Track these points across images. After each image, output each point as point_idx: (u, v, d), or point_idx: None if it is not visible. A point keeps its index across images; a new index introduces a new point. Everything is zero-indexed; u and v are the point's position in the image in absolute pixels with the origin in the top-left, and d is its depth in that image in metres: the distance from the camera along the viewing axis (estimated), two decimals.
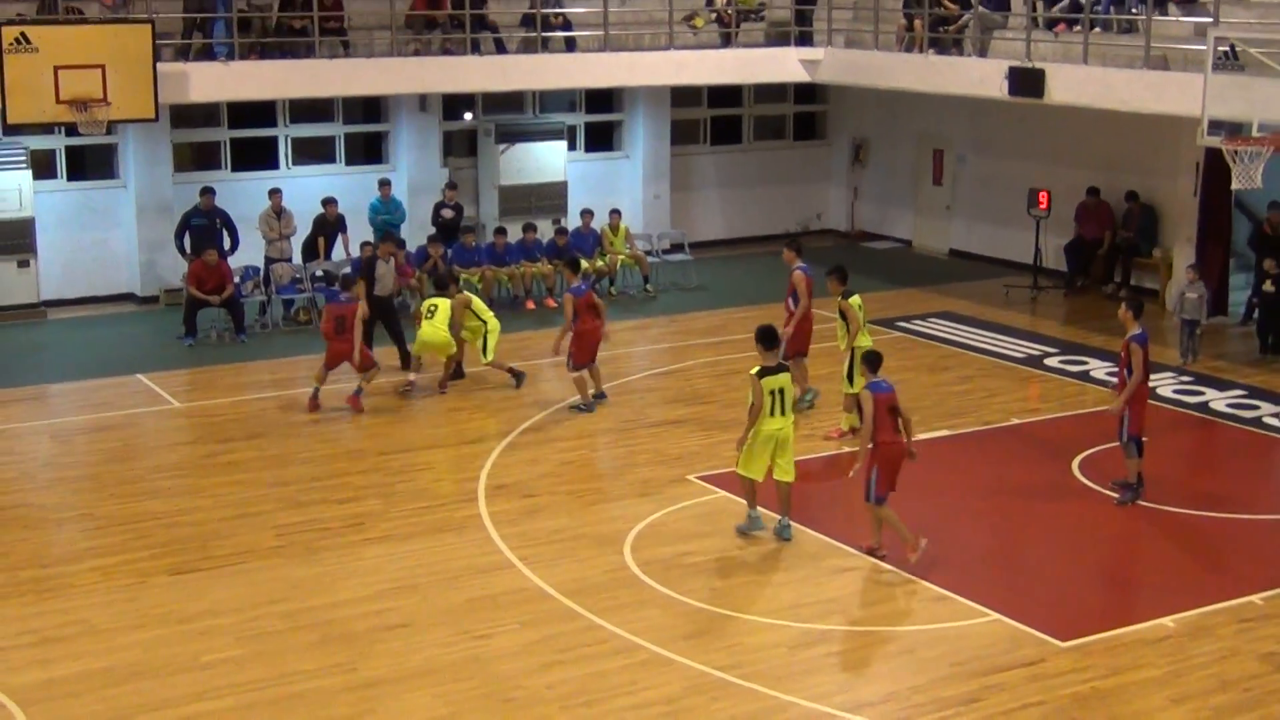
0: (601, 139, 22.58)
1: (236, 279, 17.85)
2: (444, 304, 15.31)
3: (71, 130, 17.65)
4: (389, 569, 11.02)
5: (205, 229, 17.98)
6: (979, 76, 18.43)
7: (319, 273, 18.71)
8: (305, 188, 19.46)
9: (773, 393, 11.22)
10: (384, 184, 19.56)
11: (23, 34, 16.20)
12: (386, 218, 19.12)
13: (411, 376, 15.58)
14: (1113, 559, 11.59)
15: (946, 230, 23.00)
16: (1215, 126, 14.38)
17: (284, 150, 20.24)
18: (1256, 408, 14.98)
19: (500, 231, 19.69)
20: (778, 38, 21.59)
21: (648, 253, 20.73)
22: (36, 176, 18.58)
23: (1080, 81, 17.12)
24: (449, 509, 12.26)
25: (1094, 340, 17.56)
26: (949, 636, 9.88)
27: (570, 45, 20.16)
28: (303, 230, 18.81)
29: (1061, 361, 16.76)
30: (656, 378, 16.39)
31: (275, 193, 18.65)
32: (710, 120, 23.53)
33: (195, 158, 20.01)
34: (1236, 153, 14.10)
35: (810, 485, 12.26)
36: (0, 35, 16.07)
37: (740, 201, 23.63)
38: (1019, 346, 17.43)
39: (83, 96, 16.42)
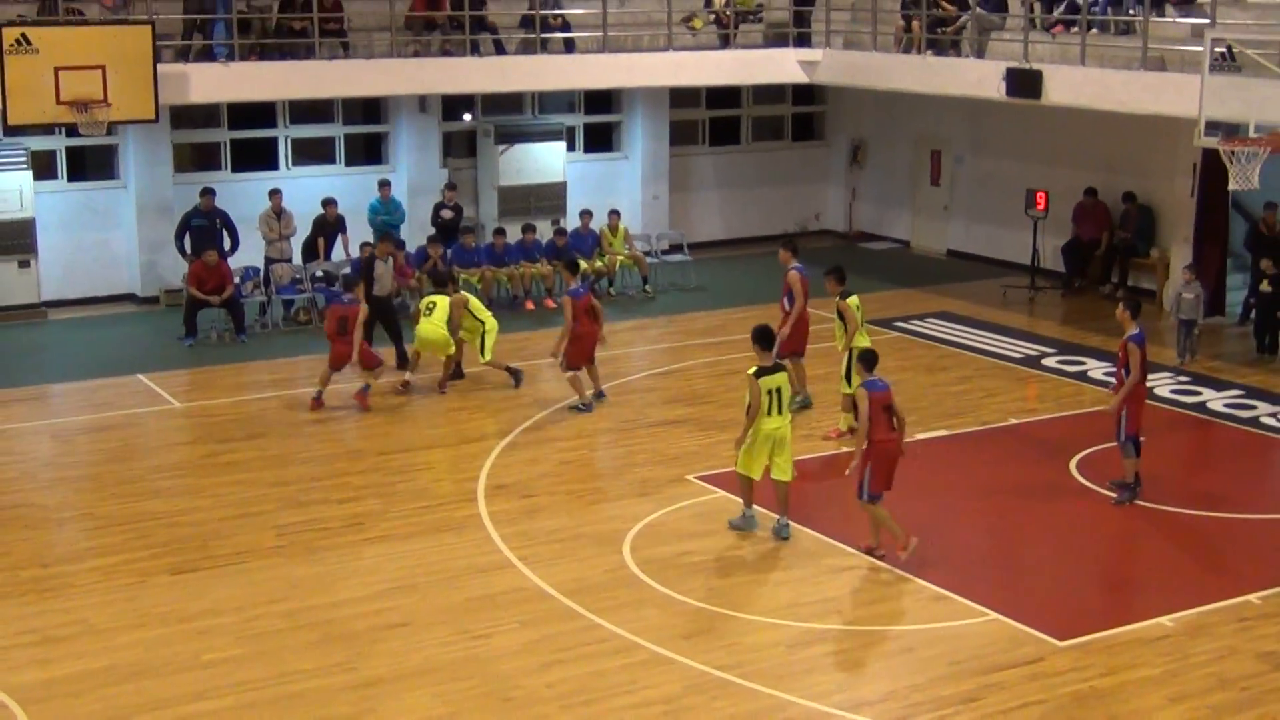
0: (600, 140, 22.60)
1: (236, 279, 17.87)
2: (442, 301, 15.35)
3: (72, 131, 17.66)
4: (389, 568, 11.04)
5: (205, 229, 18.00)
6: (977, 77, 18.46)
7: (319, 273, 18.74)
8: (305, 188, 19.48)
9: (770, 392, 11.27)
10: (384, 185, 19.59)
11: (23, 35, 16.22)
12: (386, 218, 19.15)
13: (407, 376, 15.63)
14: (1111, 559, 11.62)
15: (944, 231, 23.02)
16: (1212, 127, 14.43)
17: (284, 151, 20.26)
18: (1254, 408, 15.02)
19: (499, 232, 19.71)
20: (776, 39, 21.61)
21: (646, 253, 20.76)
22: (37, 177, 18.60)
23: (1078, 82, 17.15)
24: (449, 509, 12.29)
25: (1091, 340, 17.59)
26: (947, 636, 9.91)
27: (569, 46, 20.18)
28: (303, 231, 18.84)
29: (1059, 362, 16.79)
30: (655, 378, 16.42)
31: (275, 193, 18.68)
32: (709, 121, 23.56)
33: (195, 158, 20.03)
34: (1234, 153, 14.15)
35: (809, 485, 12.29)
36: (1, 36, 16.10)
37: (739, 202, 23.66)
38: (1017, 347, 17.46)
39: (83, 97, 16.44)
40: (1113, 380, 12.83)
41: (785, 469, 11.47)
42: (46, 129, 17.95)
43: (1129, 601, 10.86)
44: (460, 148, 21.54)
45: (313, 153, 20.57)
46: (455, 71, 19.21)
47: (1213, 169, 16.77)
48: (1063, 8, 18.65)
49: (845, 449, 13.48)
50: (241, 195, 19.15)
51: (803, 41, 21.31)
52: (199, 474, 13.19)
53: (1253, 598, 10.48)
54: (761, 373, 11.30)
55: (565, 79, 20.29)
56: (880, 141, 23.95)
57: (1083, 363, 16.66)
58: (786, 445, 11.45)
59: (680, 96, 22.66)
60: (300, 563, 11.16)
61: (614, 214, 20.52)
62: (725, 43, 21.10)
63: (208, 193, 18.30)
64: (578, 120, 22.22)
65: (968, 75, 18.70)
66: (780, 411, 11.35)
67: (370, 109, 20.93)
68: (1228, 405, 15.11)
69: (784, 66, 21.21)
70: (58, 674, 9.38)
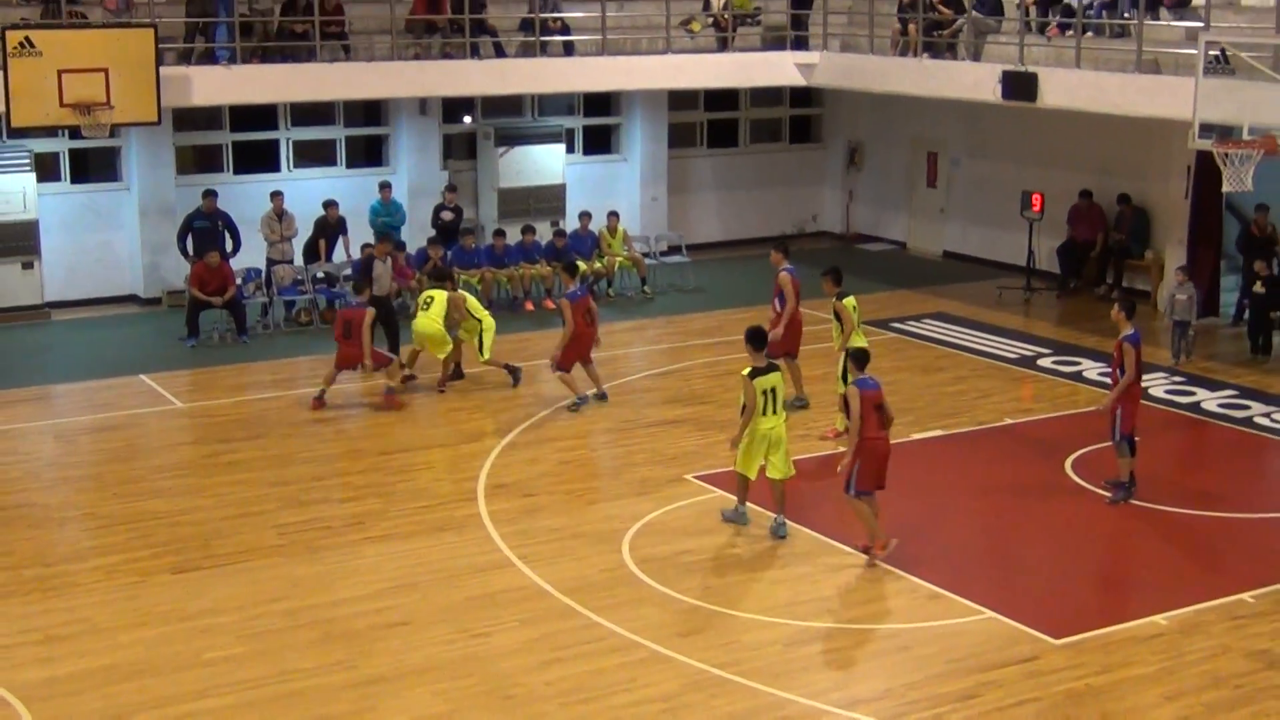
0: (599, 142, 22.66)
1: (238, 281, 17.91)
2: (440, 296, 15.40)
3: (75, 133, 17.74)
4: (389, 567, 11.08)
5: (207, 231, 18.06)
6: (973, 80, 18.51)
7: (320, 274, 18.80)
8: (306, 190, 19.54)
9: (765, 392, 11.34)
10: (384, 186, 19.64)
11: (27, 38, 16.24)
12: (387, 220, 19.20)
13: (406, 371, 15.63)
14: (1106, 557, 11.64)
15: (940, 232, 23.08)
16: (1206, 130, 14.49)
17: (285, 153, 20.32)
18: (1247, 408, 15.07)
19: (499, 233, 19.75)
20: (774, 42, 21.67)
21: (645, 254, 20.81)
22: (40, 179, 18.64)
23: (1073, 85, 17.20)
24: (449, 508, 12.32)
25: (1087, 341, 17.64)
26: (944, 634, 9.94)
27: (568, 49, 20.25)
28: (304, 232, 18.88)
29: (1054, 362, 16.84)
30: (654, 378, 16.46)
31: (277, 195, 18.72)
32: (707, 123, 23.62)
33: (197, 160, 20.07)
34: (1227, 156, 14.19)
35: (806, 484, 12.32)
36: (4, 39, 16.14)
37: (737, 204, 23.72)
38: (1012, 347, 17.51)
39: (86, 100, 16.48)
40: (1109, 381, 12.88)
41: (781, 467, 11.54)
42: (49, 131, 18.01)
43: (1124, 600, 10.89)
44: (460, 150, 21.59)
45: (314, 155, 20.62)
46: (455, 74, 19.26)
47: (1207, 171, 16.81)
48: (1058, 11, 18.73)
49: (842, 449, 13.52)
50: (243, 197, 19.19)
51: (800, 45, 21.34)
52: (201, 474, 13.22)
53: (1246, 596, 10.52)
54: (756, 373, 11.38)
55: (564, 81, 20.36)
56: (877, 144, 24.00)
57: (1078, 363, 16.71)
58: (782, 444, 11.52)
59: (679, 99, 22.71)
60: (301, 562, 11.19)
61: (613, 215, 20.58)
62: (723, 46, 21.15)
63: (210, 194, 18.35)
64: (577, 122, 22.28)
65: (964, 78, 18.76)
66: (775, 411, 11.42)
67: (371, 111, 20.98)
68: (1222, 405, 15.16)
69: (781, 69, 21.27)
70: (60, 672, 9.41)
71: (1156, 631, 9.99)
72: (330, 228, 18.89)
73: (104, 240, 19.40)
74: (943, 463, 13.55)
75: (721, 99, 23.37)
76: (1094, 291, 20.00)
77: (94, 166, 19.61)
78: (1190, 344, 16.70)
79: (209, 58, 18.21)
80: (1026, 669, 9.43)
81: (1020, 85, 17.64)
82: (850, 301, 13.87)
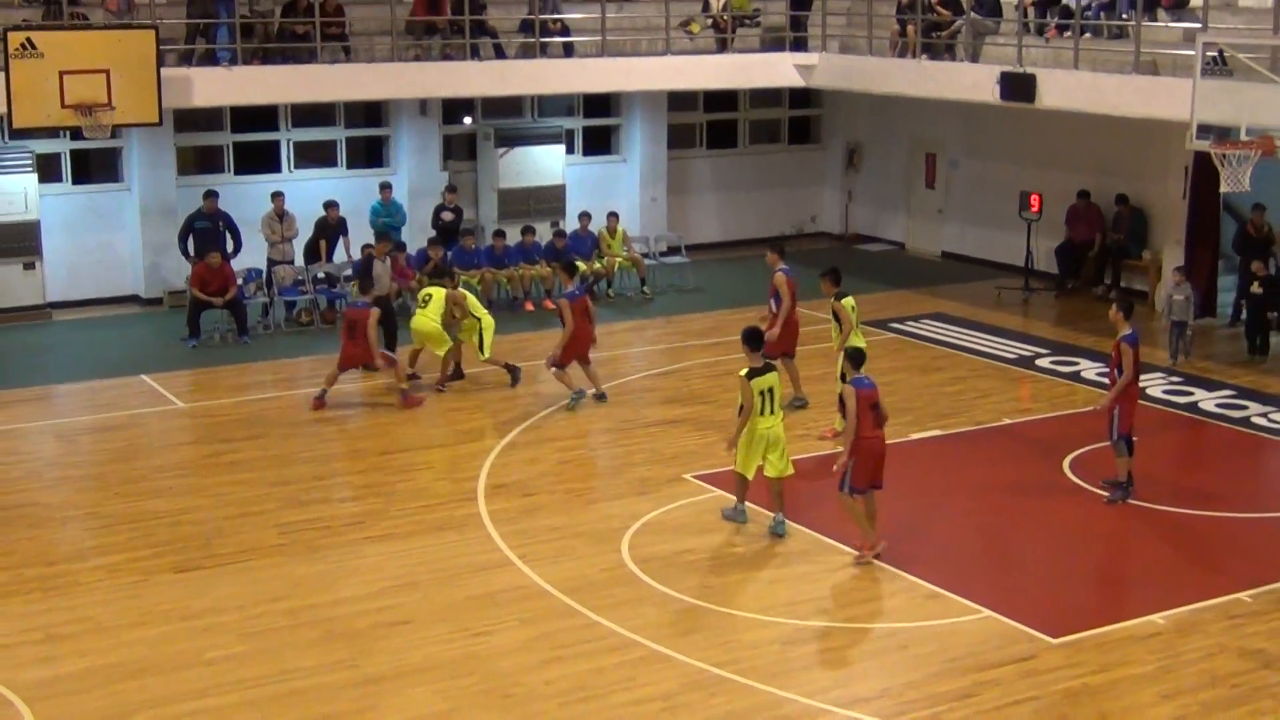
0: (599, 143, 22.69)
1: (239, 281, 17.96)
2: (438, 293, 15.44)
3: (76, 134, 17.78)
4: (390, 567, 11.11)
5: (208, 232, 18.11)
6: (971, 81, 18.55)
7: (320, 275, 18.84)
8: (307, 191, 19.58)
9: (762, 393, 11.39)
10: (385, 187, 19.68)
11: (28, 39, 16.29)
12: (387, 220, 19.23)
13: (408, 371, 15.69)
14: (1103, 557, 11.67)
15: (939, 233, 23.12)
16: (1204, 130, 14.52)
17: (286, 154, 20.36)
18: (1245, 408, 15.10)
19: (499, 234, 19.79)
20: (773, 43, 21.71)
21: (645, 255, 20.85)
22: (42, 180, 18.69)
23: (1071, 86, 17.23)
24: (449, 508, 12.36)
25: (1084, 341, 17.67)
26: (942, 633, 9.96)
27: (568, 51, 20.29)
28: (304, 233, 18.92)
29: (1052, 362, 16.88)
30: (654, 378, 16.50)
31: (277, 196, 18.76)
32: (706, 124, 23.66)
33: (198, 161, 20.11)
34: (1225, 156, 14.23)
35: (804, 484, 12.34)
36: (6, 40, 16.19)
37: (736, 204, 23.75)
38: (1010, 347, 17.55)
39: (87, 101, 16.52)
40: (1108, 381, 12.91)
41: (779, 466, 11.59)
42: (51, 132, 18.05)
43: (1121, 599, 10.92)
44: (460, 151, 21.63)
45: (314, 156, 20.66)
46: (455, 75, 19.30)
47: (1204, 172, 16.87)
48: (1056, 12, 18.77)
49: (840, 449, 13.58)
50: (244, 198, 19.24)
51: (799, 46, 21.38)
52: (202, 473, 13.26)
53: (1243, 596, 10.55)
54: (753, 374, 11.42)
55: (564, 83, 20.41)
56: (876, 145, 24.04)
57: (1076, 363, 16.75)
58: (780, 444, 11.57)
59: (678, 100, 22.75)
60: (302, 561, 11.23)
61: (612, 216, 20.62)
62: (722, 47, 21.18)
63: (211, 195, 18.40)
64: (577, 123, 22.31)
65: (962, 79, 18.80)
66: (773, 411, 11.47)
67: (371, 112, 21.02)
68: (1219, 405, 15.20)
69: (780, 70, 21.31)
70: (62, 671, 9.44)
71: (1154, 631, 10.02)
72: (331, 228, 18.93)
73: (105, 241, 19.44)
74: (941, 463, 13.59)
75: (721, 100, 23.41)
76: (1092, 292, 20.03)
77: (95, 167, 19.65)
78: (1189, 344, 16.73)
79: (210, 59, 18.25)
80: (1024, 668, 9.45)
81: (1018, 86, 17.68)
82: (849, 302, 13.92)
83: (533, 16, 19.82)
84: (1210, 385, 15.89)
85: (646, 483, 12.94)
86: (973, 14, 19.18)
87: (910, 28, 19.70)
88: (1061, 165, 20.68)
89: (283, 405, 15.29)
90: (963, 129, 22.17)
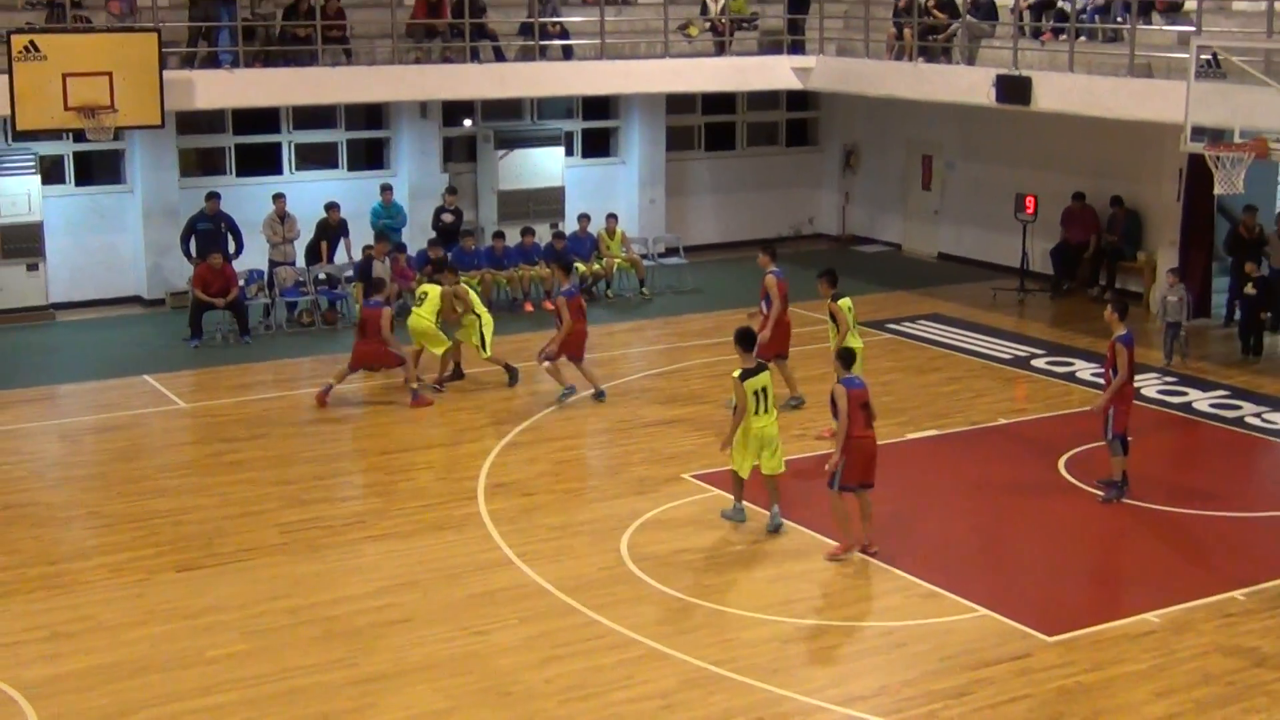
0: (598, 145, 22.75)
1: (241, 282, 18.01)
2: (434, 291, 15.51)
3: (79, 136, 17.80)
4: (390, 566, 11.16)
5: (210, 233, 18.18)
6: (967, 84, 18.61)
7: (321, 276, 18.91)
8: (308, 192, 19.63)
9: (756, 393, 11.47)
10: (385, 189, 19.74)
11: (32, 42, 16.34)
12: (388, 222, 19.30)
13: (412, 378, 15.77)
14: (1098, 556, 11.70)
15: (935, 234, 23.17)
16: (1198, 133, 14.59)
17: (287, 156, 20.42)
18: (1239, 408, 15.16)
19: (499, 235, 19.85)
20: (771, 46, 21.77)
21: (643, 256, 20.90)
22: (45, 181, 18.75)
23: (1066, 89, 17.30)
24: (449, 507, 12.40)
25: (1080, 342, 17.72)
26: (938, 631, 10.01)
27: (568, 53, 20.36)
28: (306, 234, 18.98)
29: (1048, 363, 16.93)
30: (652, 379, 16.55)
31: (279, 197, 18.83)
32: (704, 127, 23.72)
33: (200, 163, 20.16)
34: (1219, 158, 14.29)
35: (802, 483, 12.40)
36: (10, 43, 16.25)
37: (734, 206, 23.81)
38: (1006, 348, 17.59)
39: (90, 103, 16.59)
40: (1103, 382, 12.95)
41: (772, 465, 11.67)
42: (54, 134, 18.07)
43: (1116, 598, 10.95)
44: (460, 153, 21.69)
45: (316, 158, 20.71)
46: (456, 78, 19.36)
47: (1198, 174, 16.88)
48: (1052, 15, 18.85)
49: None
50: (246, 199, 19.30)
51: (797, 49, 21.43)
52: (204, 473, 13.31)
53: (1237, 594, 10.60)
54: (746, 375, 11.50)
55: (564, 85, 20.48)
56: (872, 147, 24.10)
57: (1071, 364, 16.81)
58: (775, 442, 11.66)
59: (676, 102, 22.81)
60: (303, 560, 11.27)
61: (611, 218, 20.68)
62: (721, 50, 21.25)
63: (213, 197, 18.47)
64: (576, 126, 22.37)
65: (958, 82, 18.86)
66: (767, 410, 11.55)
67: (372, 114, 21.08)
68: (1213, 405, 15.26)
69: (778, 73, 21.37)
70: (65, 669, 9.47)
71: (1148, 629, 10.06)
72: (332, 230, 19.00)
73: (108, 242, 19.49)
74: (937, 462, 13.65)
75: (719, 102, 23.46)
76: (1087, 293, 20.07)
77: (98, 169, 19.70)
78: (1184, 345, 16.77)
79: (212, 62, 18.30)
80: (1019, 666, 9.49)
81: (1014, 89, 17.74)
82: (846, 303, 13.98)
83: (532, 20, 19.89)
84: (1204, 385, 15.94)
85: (645, 482, 12.99)
86: (969, 17, 19.24)
87: (907, 31, 19.76)
88: (1057, 167, 20.73)
89: (284, 405, 15.34)
90: (959, 131, 22.23)
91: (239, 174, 20.12)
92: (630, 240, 20.90)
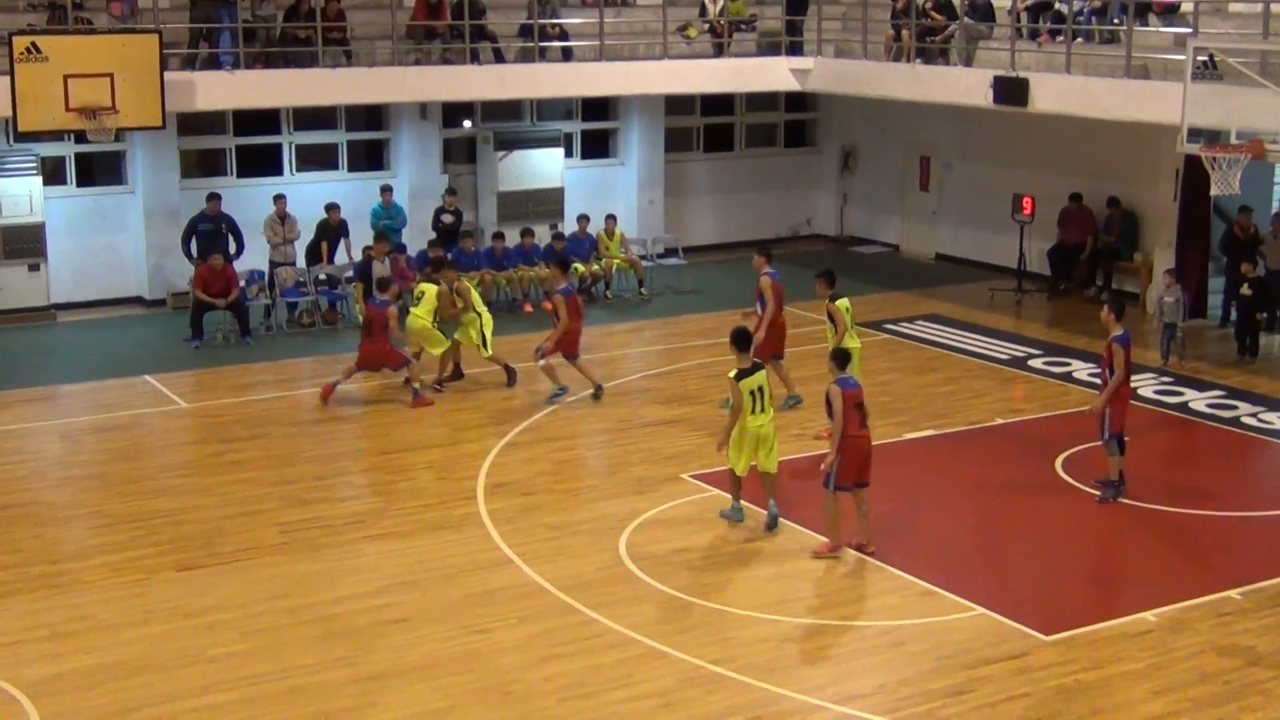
0: (597, 146, 22.79)
1: (242, 283, 18.05)
2: (430, 290, 15.56)
3: (81, 137, 17.82)
4: (390, 565, 11.19)
5: (211, 234, 18.21)
6: (965, 86, 18.65)
7: (321, 276, 18.96)
8: (309, 193, 19.67)
9: (752, 392, 11.52)
10: (386, 190, 19.78)
11: (33, 44, 16.38)
12: (388, 223, 19.32)
13: (407, 373, 15.80)
14: (1095, 555, 11.73)
15: (933, 235, 23.21)
16: (1194, 134, 14.65)
17: (288, 157, 20.45)
18: (1235, 408, 15.21)
19: (499, 236, 19.90)
20: (769, 48, 21.82)
21: (642, 257, 20.95)
22: (47, 182, 18.80)
23: (1063, 90, 17.34)
24: (448, 507, 12.44)
25: (1076, 342, 17.77)
26: (936, 630, 10.05)
27: (567, 55, 20.41)
28: (306, 235, 19.02)
29: (1045, 363, 16.98)
30: (651, 379, 16.59)
31: (279, 198, 18.87)
32: (703, 128, 23.76)
33: (201, 164, 20.18)
34: (1215, 160, 14.32)
35: (800, 483, 12.45)
36: (11, 45, 16.28)
37: (732, 207, 23.85)
38: (1004, 348, 17.64)
39: (92, 104, 16.62)
40: (1099, 381, 13.00)
41: (767, 464, 11.72)
42: (56, 135, 18.12)
43: (1113, 597, 10.97)
44: (460, 154, 21.73)
45: (316, 159, 20.74)
46: (455, 79, 19.41)
47: (1195, 175, 16.89)
48: (1049, 17, 18.90)
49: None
50: (246, 200, 19.34)
51: (795, 50, 21.48)
52: (204, 473, 13.34)
53: (1233, 593, 10.64)
54: (742, 375, 11.55)
55: (563, 87, 20.52)
56: (870, 148, 24.15)
57: (1068, 364, 16.85)
58: (771, 440, 11.71)
59: (675, 104, 22.84)
60: (303, 560, 11.31)
61: (610, 218, 20.73)
62: (719, 51, 21.29)
63: (214, 198, 18.50)
64: (575, 127, 22.40)
65: (956, 83, 18.90)
66: (764, 409, 11.61)
67: (372, 116, 21.12)
68: (1210, 405, 15.30)
69: (776, 74, 21.42)
70: (66, 668, 9.50)
71: (1145, 628, 10.10)
72: (332, 230, 19.04)
73: (109, 243, 19.52)
74: (935, 462, 13.69)
75: (717, 104, 23.50)
76: (1084, 293, 20.11)
77: (99, 170, 19.73)
78: (1181, 345, 16.79)
79: (213, 63, 18.33)
80: (1017, 665, 9.53)
81: (1011, 90, 17.78)
82: (844, 303, 14.03)
83: (532, 21, 19.93)
84: (1201, 385, 15.98)
85: (644, 482, 13.02)
86: (966, 19, 19.29)
87: (904, 32, 19.80)
88: (1054, 168, 20.77)
89: (284, 405, 15.38)
90: (956, 132, 22.27)
91: (240, 175, 20.15)
92: (629, 241, 20.94)
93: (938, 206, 23.12)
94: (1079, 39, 17.98)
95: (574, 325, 15.12)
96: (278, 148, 20.40)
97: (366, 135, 21.18)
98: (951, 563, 11.32)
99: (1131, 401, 12.94)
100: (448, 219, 20.07)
